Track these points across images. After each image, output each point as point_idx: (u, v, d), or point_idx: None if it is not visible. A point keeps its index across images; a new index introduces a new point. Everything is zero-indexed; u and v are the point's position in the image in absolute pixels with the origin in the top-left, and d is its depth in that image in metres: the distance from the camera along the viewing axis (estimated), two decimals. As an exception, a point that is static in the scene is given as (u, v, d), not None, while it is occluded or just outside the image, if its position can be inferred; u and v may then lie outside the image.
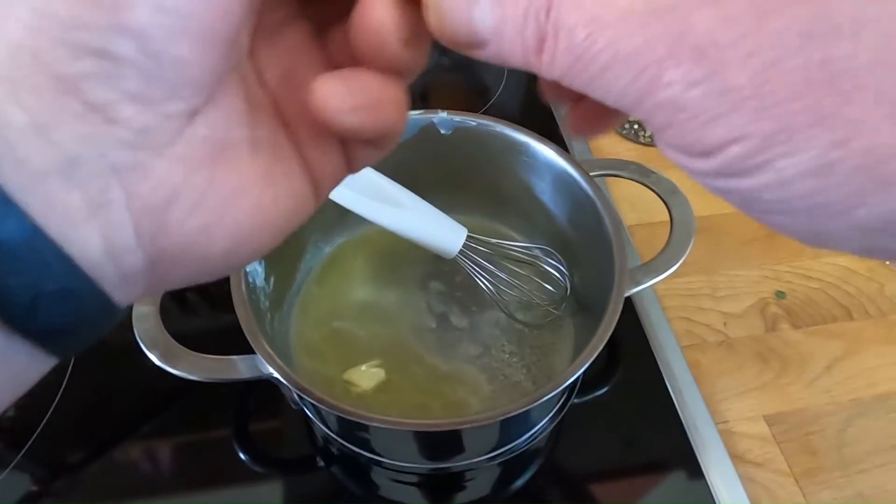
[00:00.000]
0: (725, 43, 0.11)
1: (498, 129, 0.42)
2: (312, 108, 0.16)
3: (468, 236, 0.40)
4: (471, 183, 0.46)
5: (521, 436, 0.39)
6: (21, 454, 0.40)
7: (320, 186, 0.18)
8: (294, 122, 0.17)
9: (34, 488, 0.39)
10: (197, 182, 0.15)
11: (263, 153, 0.16)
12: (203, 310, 0.48)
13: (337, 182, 0.18)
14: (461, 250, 0.40)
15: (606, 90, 0.13)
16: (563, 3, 0.13)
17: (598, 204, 0.39)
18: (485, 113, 0.61)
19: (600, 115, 0.18)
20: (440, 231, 0.39)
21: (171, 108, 0.14)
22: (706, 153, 0.12)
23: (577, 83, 0.13)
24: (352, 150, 0.18)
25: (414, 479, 0.40)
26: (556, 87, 0.15)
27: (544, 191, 0.44)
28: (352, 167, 0.18)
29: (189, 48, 0.13)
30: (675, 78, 0.12)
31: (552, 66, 0.13)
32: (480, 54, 0.15)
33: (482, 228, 0.47)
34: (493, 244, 0.41)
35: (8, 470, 0.39)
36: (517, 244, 0.43)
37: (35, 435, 0.40)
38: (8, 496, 0.38)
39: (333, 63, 0.18)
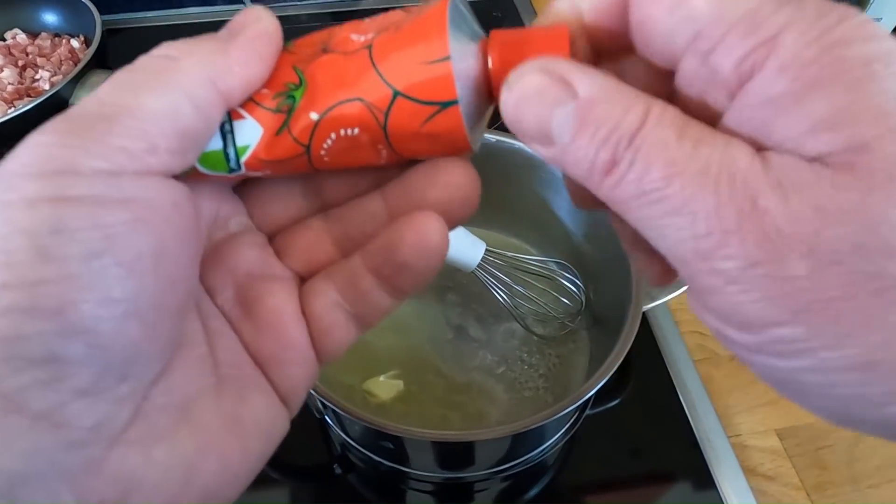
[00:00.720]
0: (790, 234, 0.12)
1: (517, 146, 0.43)
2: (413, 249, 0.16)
3: (486, 250, 0.41)
4: (489, 197, 0.46)
5: (534, 448, 0.40)
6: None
7: (292, 400, 0.17)
8: (255, 341, 0.17)
9: None
10: (158, 459, 0.14)
11: (228, 393, 0.16)
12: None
13: (306, 390, 0.18)
14: (479, 264, 0.41)
15: (660, 234, 0.13)
16: (647, 140, 0.13)
17: (615, 220, 0.40)
18: (502, 128, 0.62)
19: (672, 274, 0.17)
20: (460, 245, 0.40)
21: (124, 391, 0.13)
22: (748, 327, 0.13)
23: (632, 215, 0.13)
24: (369, 307, 0.17)
25: (428, 486, 0.41)
26: (592, 199, 0.15)
27: (561, 206, 0.44)
28: (362, 327, 0.18)
29: (139, 329, 0.13)
30: (737, 253, 0.12)
31: (614, 190, 0.13)
32: (540, 150, 0.14)
33: (500, 242, 0.48)
34: (510, 258, 0.42)
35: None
36: (534, 258, 0.43)
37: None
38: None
39: (296, 268, 0.18)
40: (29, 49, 0.63)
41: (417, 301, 0.45)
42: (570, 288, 0.43)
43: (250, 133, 0.16)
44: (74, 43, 0.63)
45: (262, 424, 0.16)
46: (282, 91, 0.16)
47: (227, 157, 0.16)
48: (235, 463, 0.16)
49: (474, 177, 0.16)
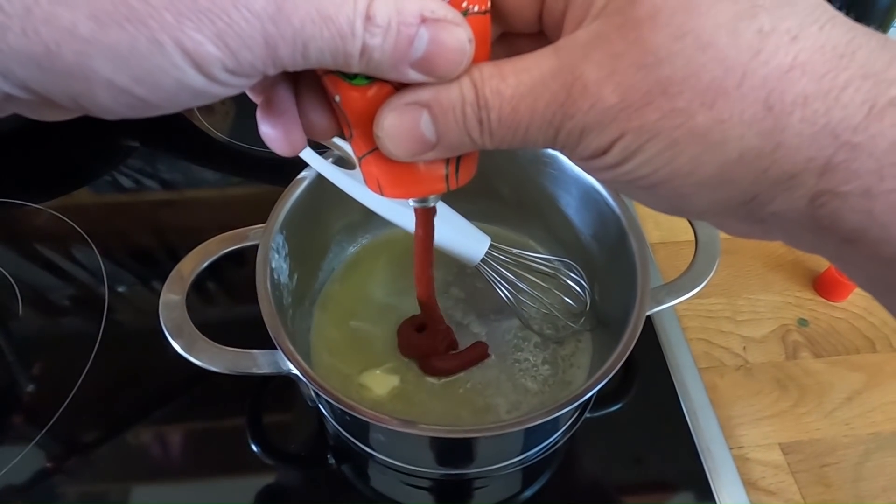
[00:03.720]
0: (600, 79, 0.17)
1: (527, 140, 0.43)
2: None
3: (491, 245, 0.40)
4: (496, 192, 0.46)
5: (532, 448, 0.39)
6: (43, 431, 0.41)
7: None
8: None
9: (49, 465, 0.40)
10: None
11: None
12: (226, 300, 0.49)
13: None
14: (483, 259, 0.40)
15: (534, 142, 0.18)
16: (489, 97, 0.18)
17: (624, 221, 0.39)
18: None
19: None
20: (464, 239, 0.40)
21: None
22: (602, 152, 0.18)
23: (512, 143, 0.18)
24: None
25: (423, 483, 0.40)
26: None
27: (570, 204, 0.44)
28: None
29: None
30: (576, 110, 0.17)
31: (493, 139, 0.18)
32: (432, 156, 0.19)
33: (505, 238, 0.48)
34: (515, 254, 0.41)
35: (31, 446, 0.40)
36: (539, 255, 0.43)
37: (58, 414, 0.41)
38: (28, 472, 0.39)
39: None
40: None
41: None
42: (574, 288, 0.42)
43: None
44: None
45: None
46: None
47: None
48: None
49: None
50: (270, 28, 0.15)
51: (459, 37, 0.17)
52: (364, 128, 0.19)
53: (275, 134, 0.20)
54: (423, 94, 0.18)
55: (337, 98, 0.19)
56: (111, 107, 0.16)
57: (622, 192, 0.22)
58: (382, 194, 0.21)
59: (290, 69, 0.16)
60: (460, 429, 0.32)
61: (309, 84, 0.21)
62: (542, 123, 0.18)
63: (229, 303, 0.48)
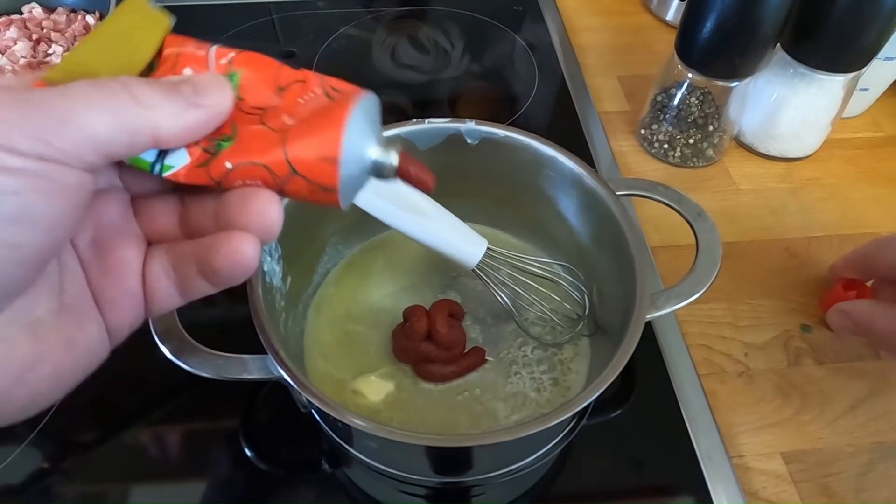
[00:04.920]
0: None
1: (525, 142, 0.42)
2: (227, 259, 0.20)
3: (488, 248, 0.39)
4: (494, 194, 0.45)
5: (529, 455, 0.38)
6: (35, 433, 0.40)
7: (116, 335, 0.22)
8: (99, 282, 0.21)
9: (45, 465, 0.39)
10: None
11: (69, 319, 0.20)
12: (220, 304, 0.48)
13: (130, 330, 0.22)
14: (480, 262, 0.39)
15: None
16: None
17: (623, 224, 0.38)
18: (513, 123, 0.60)
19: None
20: (460, 241, 0.39)
21: None
22: None
23: None
24: (190, 287, 0.22)
25: (419, 490, 0.40)
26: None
27: (568, 207, 0.43)
28: (185, 298, 0.22)
29: (22, 269, 0.17)
30: None
31: None
32: (865, 339, 0.29)
33: (503, 241, 0.47)
34: (512, 258, 0.41)
35: (23, 446, 0.40)
36: (538, 259, 0.42)
37: (49, 415, 0.41)
38: (20, 472, 0.39)
39: (145, 231, 0.22)
40: (44, 23, 0.63)
41: (413, 296, 0.44)
42: (573, 293, 0.42)
43: (179, 158, 0.20)
44: (90, 19, 0.63)
45: (90, 348, 0.21)
46: (216, 138, 0.20)
47: (153, 168, 0.20)
48: (66, 372, 0.20)
49: (279, 213, 0.20)
50: None
51: None
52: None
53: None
54: (849, 307, 0.32)
55: (229, 165, 0.20)
56: None
57: None
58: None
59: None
60: (452, 437, 0.31)
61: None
62: None
63: (223, 306, 0.47)
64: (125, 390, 0.43)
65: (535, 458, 0.39)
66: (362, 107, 0.20)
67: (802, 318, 0.48)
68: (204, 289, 0.21)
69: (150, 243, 0.22)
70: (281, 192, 0.20)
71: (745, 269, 0.51)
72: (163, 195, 0.22)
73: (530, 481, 0.40)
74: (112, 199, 0.21)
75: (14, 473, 0.39)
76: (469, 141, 0.43)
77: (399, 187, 0.37)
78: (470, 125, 0.42)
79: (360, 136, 0.20)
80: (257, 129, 0.20)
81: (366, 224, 0.45)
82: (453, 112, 0.63)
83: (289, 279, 0.40)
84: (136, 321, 0.22)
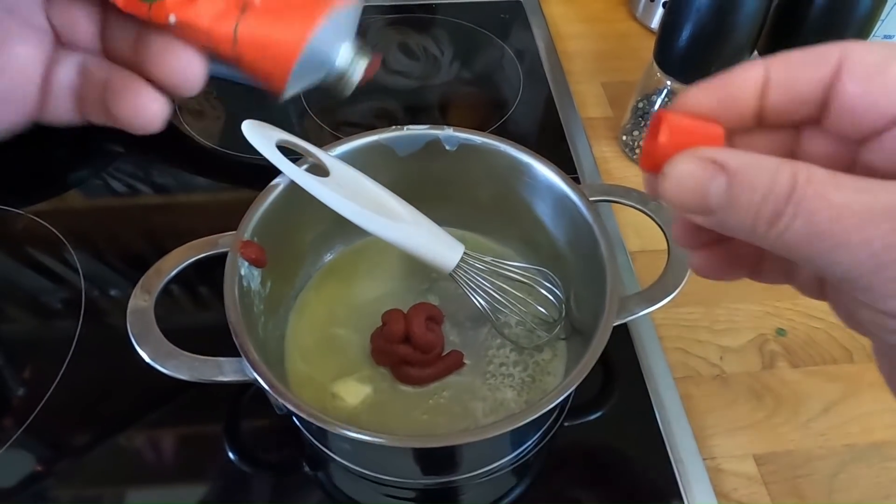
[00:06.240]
0: None
1: (502, 149, 0.43)
2: None
3: (465, 253, 0.40)
4: (472, 200, 0.46)
5: (507, 455, 0.39)
6: (18, 433, 0.41)
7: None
8: None
9: (39, 468, 0.40)
10: None
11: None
12: (198, 308, 0.48)
13: (13, 129, 0.20)
14: (458, 266, 0.40)
15: (830, 262, 0.16)
16: (805, 195, 0.16)
17: (596, 229, 0.39)
18: (498, 129, 0.61)
19: (731, 266, 0.22)
20: (437, 246, 0.40)
21: None
22: None
23: (799, 252, 0.17)
24: (89, 112, 0.21)
25: (398, 492, 0.40)
26: (694, 233, 0.21)
27: (545, 212, 0.44)
28: (80, 119, 0.21)
29: None
30: None
31: (781, 237, 0.17)
32: (701, 220, 0.18)
33: (481, 245, 0.48)
34: (489, 262, 0.41)
35: (4, 449, 0.40)
36: (514, 264, 0.42)
37: (31, 418, 0.41)
38: (13, 476, 0.39)
39: (56, 27, 0.20)
40: None
41: (393, 300, 0.45)
42: (549, 297, 0.42)
43: None
44: None
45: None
46: None
47: None
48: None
49: (201, 69, 0.20)
50: None
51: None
52: None
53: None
54: (731, 159, 0.17)
55: (172, 18, 0.19)
56: None
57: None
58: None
59: None
60: (424, 438, 0.32)
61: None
62: (861, 249, 0.16)
63: (202, 310, 0.48)
64: (106, 396, 0.43)
65: (514, 457, 0.39)
66: (338, 16, 0.19)
67: (778, 322, 0.49)
68: (102, 121, 0.20)
69: (62, 44, 0.20)
70: (210, 56, 0.19)
71: (723, 273, 0.51)
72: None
73: (510, 482, 0.40)
74: None
75: (5, 477, 0.39)
76: (447, 147, 0.43)
77: (373, 189, 0.38)
78: (448, 132, 0.43)
79: (328, 45, 0.19)
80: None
81: (347, 229, 0.46)
82: (443, 117, 0.64)
83: (269, 283, 0.40)
84: (21, 121, 0.20)
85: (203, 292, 0.48)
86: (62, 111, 0.20)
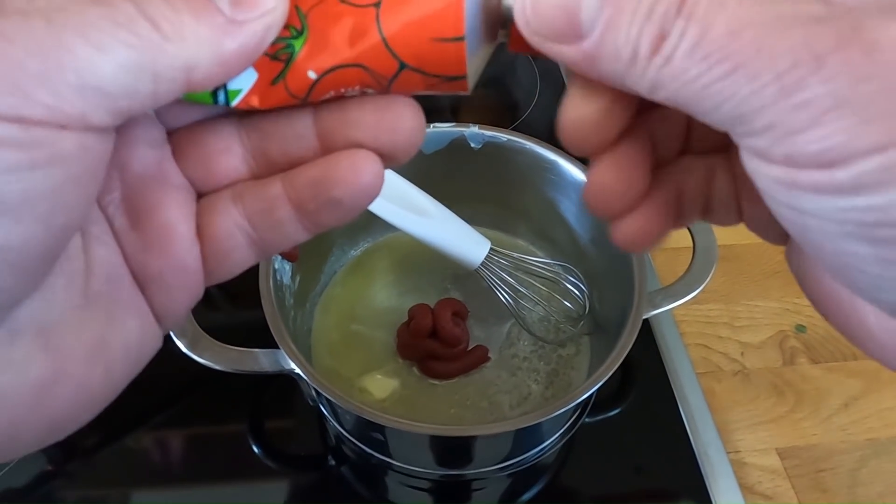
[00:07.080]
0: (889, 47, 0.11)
1: (527, 146, 0.43)
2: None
3: (491, 249, 0.41)
4: (497, 197, 0.47)
5: (530, 449, 0.39)
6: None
7: (168, 320, 0.16)
8: (140, 256, 0.15)
9: (49, 468, 0.40)
10: (3, 385, 0.13)
11: (97, 314, 0.14)
12: (226, 305, 0.49)
13: (188, 310, 0.16)
14: (483, 262, 0.40)
15: (725, 96, 0.12)
16: (699, 4, 0.12)
17: (622, 226, 0.39)
18: (515, 129, 0.62)
19: (654, 227, 0.16)
20: (464, 242, 0.40)
21: None
22: (832, 163, 0.11)
23: (687, 89, 0.12)
24: (277, 238, 0.16)
25: (423, 484, 0.41)
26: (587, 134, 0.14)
27: (569, 209, 0.44)
28: (262, 256, 0.16)
29: (13, 276, 0.12)
30: (841, 70, 0.11)
31: (664, 68, 0.12)
32: (567, 52, 0.13)
33: (505, 242, 0.48)
34: (515, 258, 0.42)
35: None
36: (539, 260, 0.43)
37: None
38: (26, 475, 0.40)
39: (192, 179, 0.16)
40: None
41: (419, 296, 0.45)
42: (573, 292, 0.43)
43: (244, 78, 0.14)
44: None
45: (130, 348, 0.15)
46: (282, 37, 0.14)
47: (215, 97, 0.14)
48: (95, 388, 0.15)
49: (422, 123, 0.15)
50: None
51: None
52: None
53: None
54: None
55: (312, 74, 0.15)
56: None
57: (810, 236, 0.13)
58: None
59: None
60: (459, 427, 0.32)
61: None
62: (763, 69, 0.11)
63: (234, 306, 0.49)
64: (130, 393, 0.43)
65: (537, 451, 0.40)
66: None
67: (798, 318, 0.49)
68: (298, 237, 0.16)
69: (201, 194, 0.16)
70: (387, 91, 0.15)
71: (742, 271, 0.52)
72: (212, 123, 0.16)
73: (532, 476, 0.41)
74: (139, 137, 0.15)
75: (17, 477, 0.40)
76: (473, 145, 0.44)
77: (401, 185, 0.39)
78: (473, 129, 0.43)
79: None
80: (332, 8, 0.14)
81: (371, 225, 0.47)
82: (456, 119, 0.64)
83: (298, 278, 0.41)
84: (193, 299, 0.16)
85: (234, 287, 0.49)
86: (235, 262, 0.16)
